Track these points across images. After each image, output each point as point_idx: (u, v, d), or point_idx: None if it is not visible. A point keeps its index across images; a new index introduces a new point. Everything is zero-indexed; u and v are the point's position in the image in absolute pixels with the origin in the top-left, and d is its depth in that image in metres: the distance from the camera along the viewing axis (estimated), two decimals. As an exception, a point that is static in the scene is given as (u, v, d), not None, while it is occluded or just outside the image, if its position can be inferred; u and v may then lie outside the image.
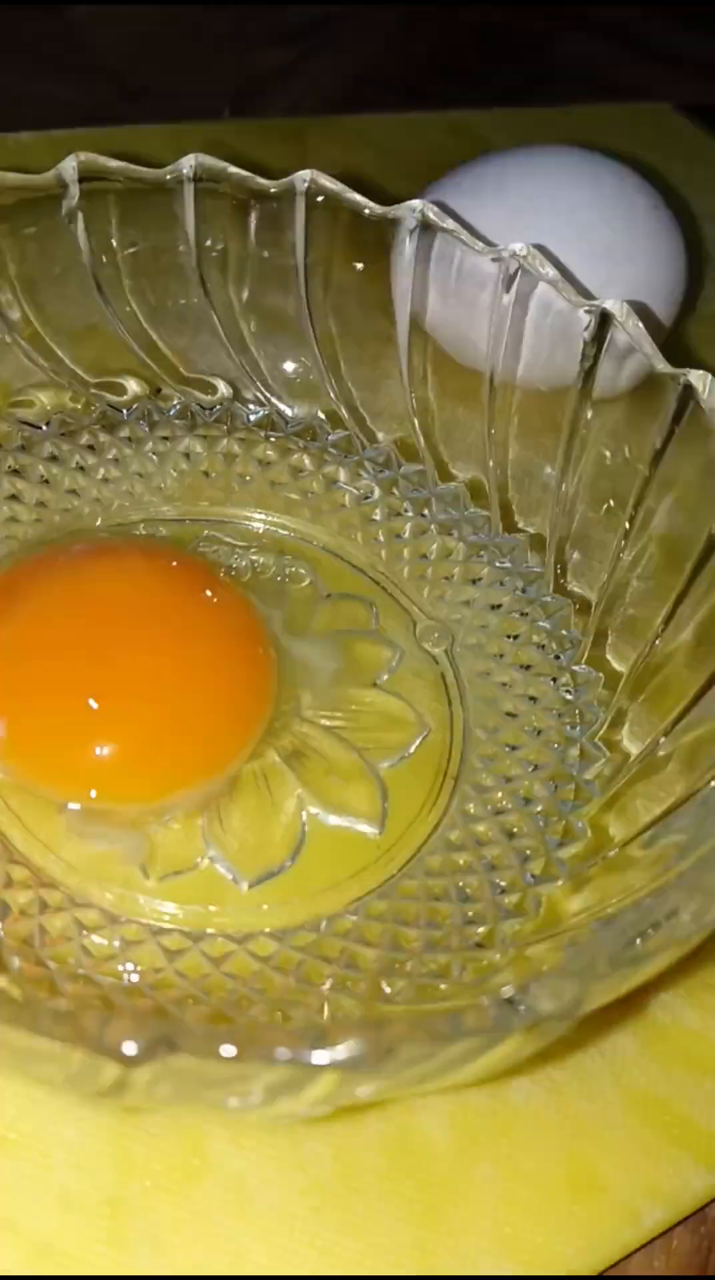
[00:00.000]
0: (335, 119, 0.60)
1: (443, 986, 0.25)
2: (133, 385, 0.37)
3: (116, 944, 0.26)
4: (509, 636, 0.34)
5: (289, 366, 0.38)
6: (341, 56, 0.68)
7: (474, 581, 0.35)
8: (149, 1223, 0.25)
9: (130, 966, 0.25)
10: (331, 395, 0.38)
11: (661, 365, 0.31)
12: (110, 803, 0.28)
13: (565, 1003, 0.18)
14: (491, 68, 0.68)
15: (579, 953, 0.22)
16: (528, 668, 0.33)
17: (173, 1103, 0.22)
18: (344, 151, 0.54)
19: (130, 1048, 0.17)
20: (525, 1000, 0.18)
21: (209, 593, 0.31)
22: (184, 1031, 0.17)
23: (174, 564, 0.31)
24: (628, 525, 0.33)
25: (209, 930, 0.27)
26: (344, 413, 0.38)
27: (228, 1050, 0.17)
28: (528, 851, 0.29)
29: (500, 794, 0.30)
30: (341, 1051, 0.17)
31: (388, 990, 0.25)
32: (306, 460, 0.37)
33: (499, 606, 0.34)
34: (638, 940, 0.20)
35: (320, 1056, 0.17)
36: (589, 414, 0.33)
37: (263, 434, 0.38)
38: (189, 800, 0.29)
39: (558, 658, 0.33)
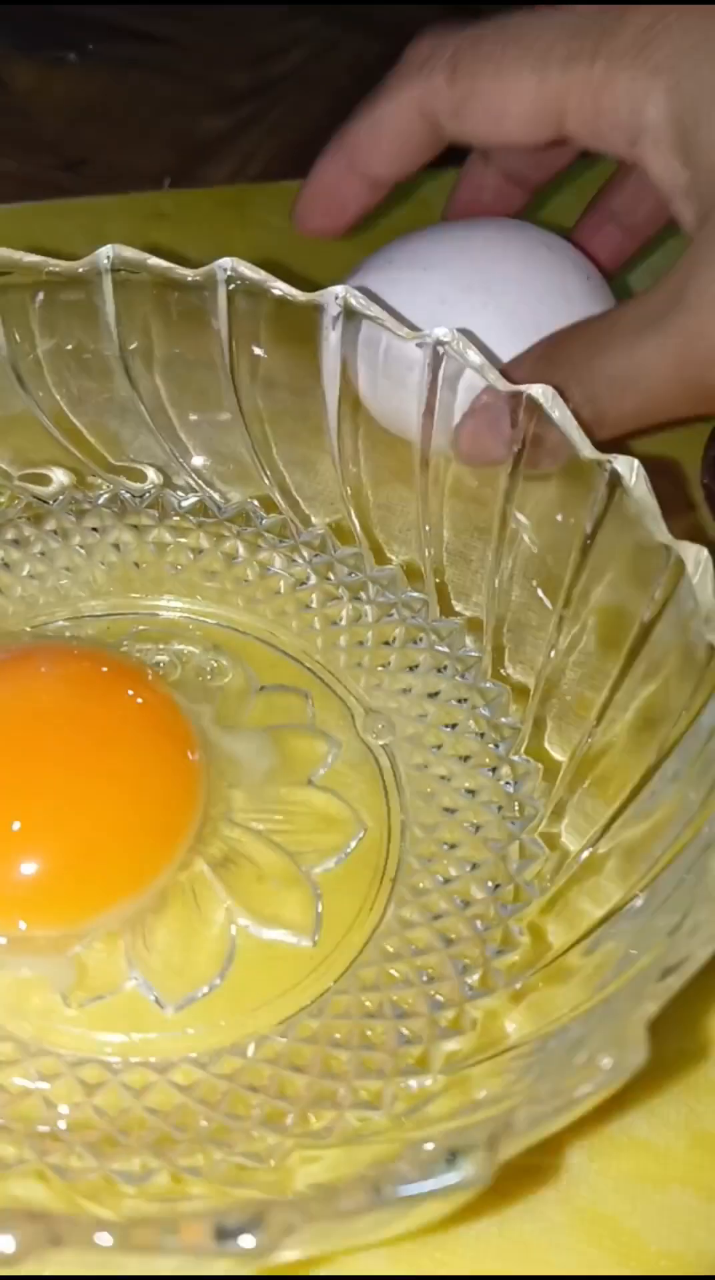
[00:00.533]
0: (277, 185, 0.60)
1: (375, 1118, 0.24)
2: (59, 475, 0.37)
3: (33, 1077, 0.25)
4: (447, 726, 0.33)
5: (220, 450, 0.37)
6: (286, 121, 0.68)
7: (411, 669, 0.34)
8: None
9: (45, 1110, 0.24)
10: (264, 480, 0.37)
11: (588, 451, 0.30)
12: (34, 929, 0.27)
13: (478, 1173, 0.17)
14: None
15: (523, 1086, 0.21)
16: (467, 759, 0.32)
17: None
18: (285, 218, 0.54)
19: (7, 1243, 0.16)
20: (435, 1169, 0.17)
21: (131, 696, 0.30)
22: (66, 1223, 0.16)
23: (95, 667, 0.30)
24: (563, 609, 0.32)
25: (132, 1059, 0.26)
26: (278, 497, 0.37)
27: (104, 1239, 0.16)
28: (466, 961, 0.28)
29: (438, 897, 0.29)
30: (239, 1242, 0.16)
31: (316, 1125, 0.24)
32: (240, 547, 0.37)
33: (437, 694, 0.34)
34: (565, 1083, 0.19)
35: (212, 1246, 0.16)
36: (518, 498, 0.33)
37: (195, 521, 0.37)
38: (115, 919, 0.28)
39: (496, 746, 0.33)
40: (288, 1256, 0.18)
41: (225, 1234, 0.16)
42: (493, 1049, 0.25)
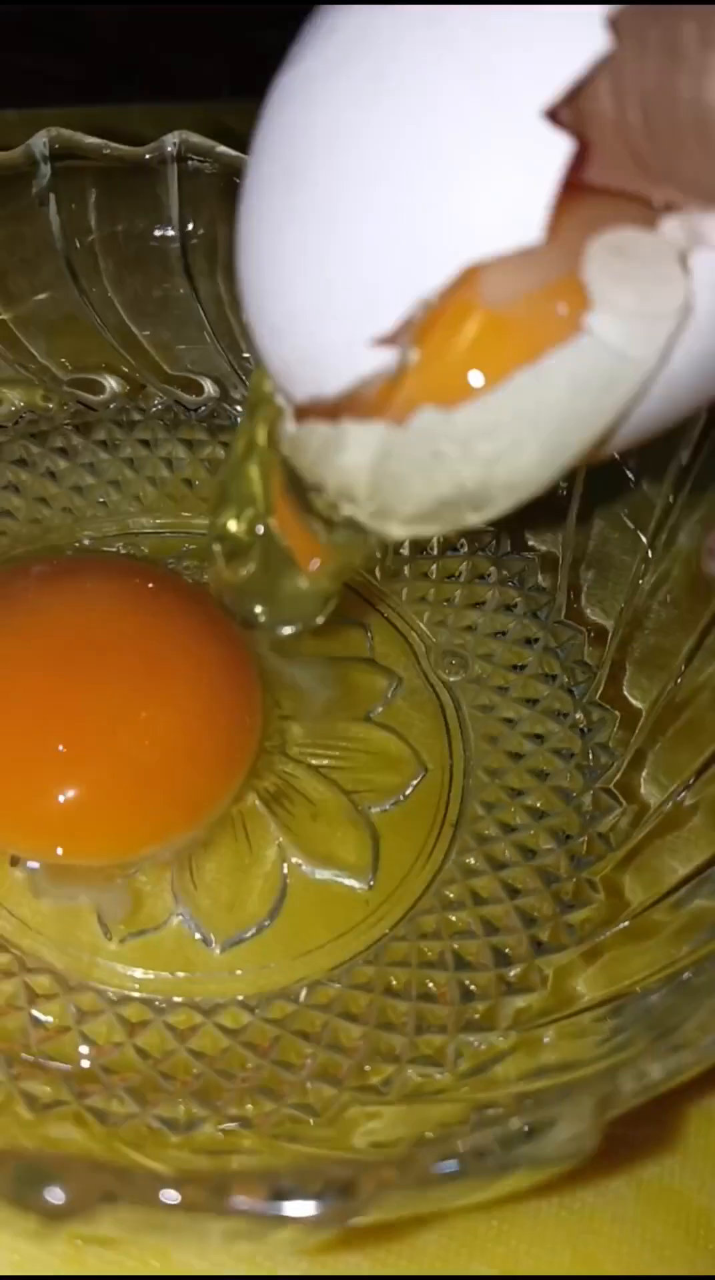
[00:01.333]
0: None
1: (438, 1077, 0.22)
2: (111, 383, 0.34)
3: (71, 1013, 0.23)
4: (515, 667, 0.31)
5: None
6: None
7: (477, 605, 0.32)
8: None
9: (85, 1049, 0.22)
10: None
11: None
12: (77, 859, 0.25)
13: (580, 1140, 0.15)
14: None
15: (605, 1051, 0.19)
16: (535, 702, 0.30)
17: (121, 1235, 0.19)
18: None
19: (56, 1196, 0.14)
20: (530, 1140, 0.15)
21: (188, 618, 0.28)
22: (125, 1179, 0.14)
23: (148, 586, 0.28)
24: (650, 546, 0.30)
25: (175, 999, 0.24)
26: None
27: (171, 1197, 0.14)
28: (535, 914, 0.26)
29: (503, 845, 0.27)
30: (309, 1206, 0.14)
31: (374, 1080, 0.22)
32: (299, 467, 0.34)
33: (504, 634, 0.31)
34: (675, 1040, 0.17)
35: (286, 1209, 0.14)
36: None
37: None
38: (163, 853, 0.26)
39: (570, 691, 0.30)
40: (359, 1222, 0.17)
41: (297, 1197, 0.14)
42: (567, 1008, 0.23)
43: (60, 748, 0.25)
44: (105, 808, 0.25)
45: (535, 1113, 0.16)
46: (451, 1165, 0.14)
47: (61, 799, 0.24)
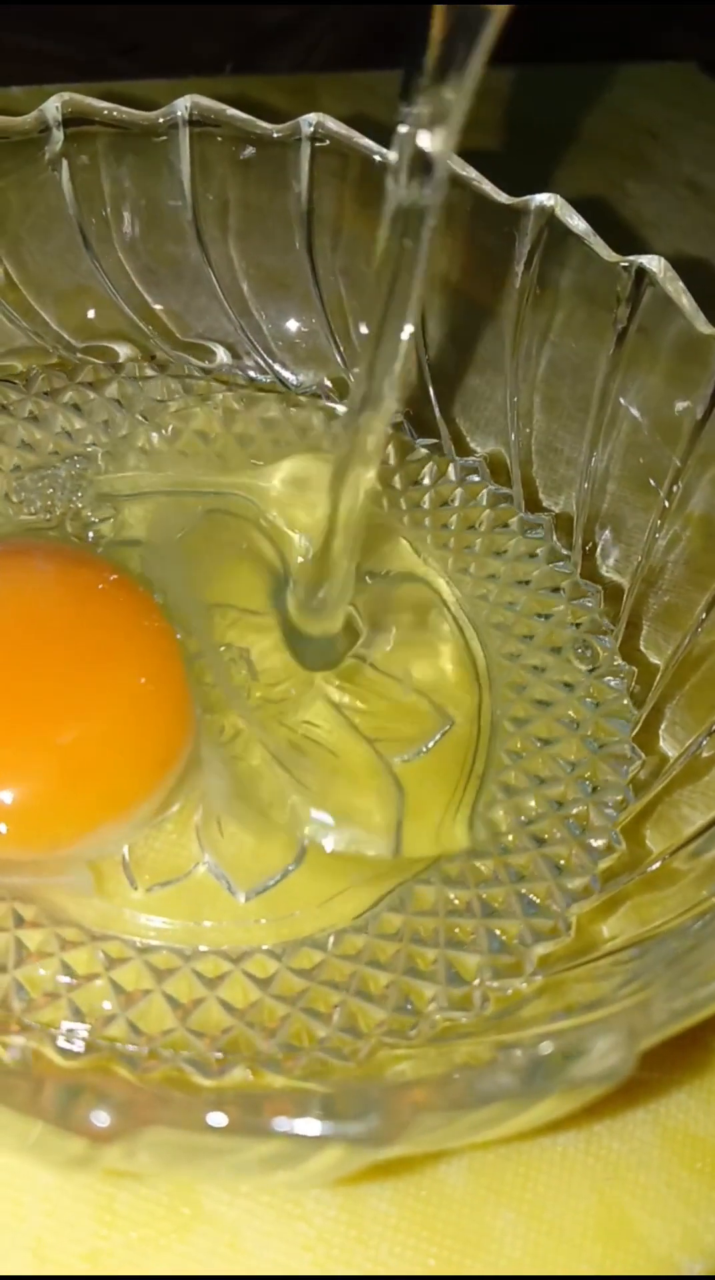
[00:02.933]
0: (343, 75, 0.57)
1: (463, 1019, 0.22)
2: (124, 350, 0.34)
3: (100, 960, 0.23)
4: (540, 615, 0.31)
5: (293, 328, 0.35)
6: (349, 11, 0.65)
7: (498, 554, 0.32)
8: (132, 1281, 0.22)
9: (118, 995, 0.23)
10: (339, 362, 0.35)
11: (704, 326, 0.28)
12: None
13: (616, 1060, 0.15)
14: (510, 24, 0.64)
15: (630, 990, 0.19)
16: (560, 650, 0.30)
17: (155, 1171, 0.19)
18: (354, 106, 0.51)
19: (101, 1119, 0.14)
20: (565, 1060, 0.15)
21: (114, 608, 0.27)
22: (165, 1100, 0.14)
23: (75, 574, 0.27)
24: (665, 503, 0.30)
25: (202, 947, 0.24)
26: (352, 381, 0.35)
27: (217, 1120, 0.14)
28: (560, 862, 0.26)
29: (530, 796, 0.27)
30: (351, 1127, 0.14)
31: (403, 1027, 0.22)
32: (314, 419, 0.34)
33: (527, 582, 0.31)
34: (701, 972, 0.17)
35: (325, 1129, 0.14)
36: (620, 381, 0.30)
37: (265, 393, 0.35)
38: (92, 846, 0.25)
39: (597, 639, 0.30)
40: (392, 1152, 0.17)
41: (338, 1117, 0.14)
42: (591, 952, 0.23)
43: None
44: (37, 800, 0.24)
45: (567, 1040, 0.16)
46: (492, 1083, 0.15)
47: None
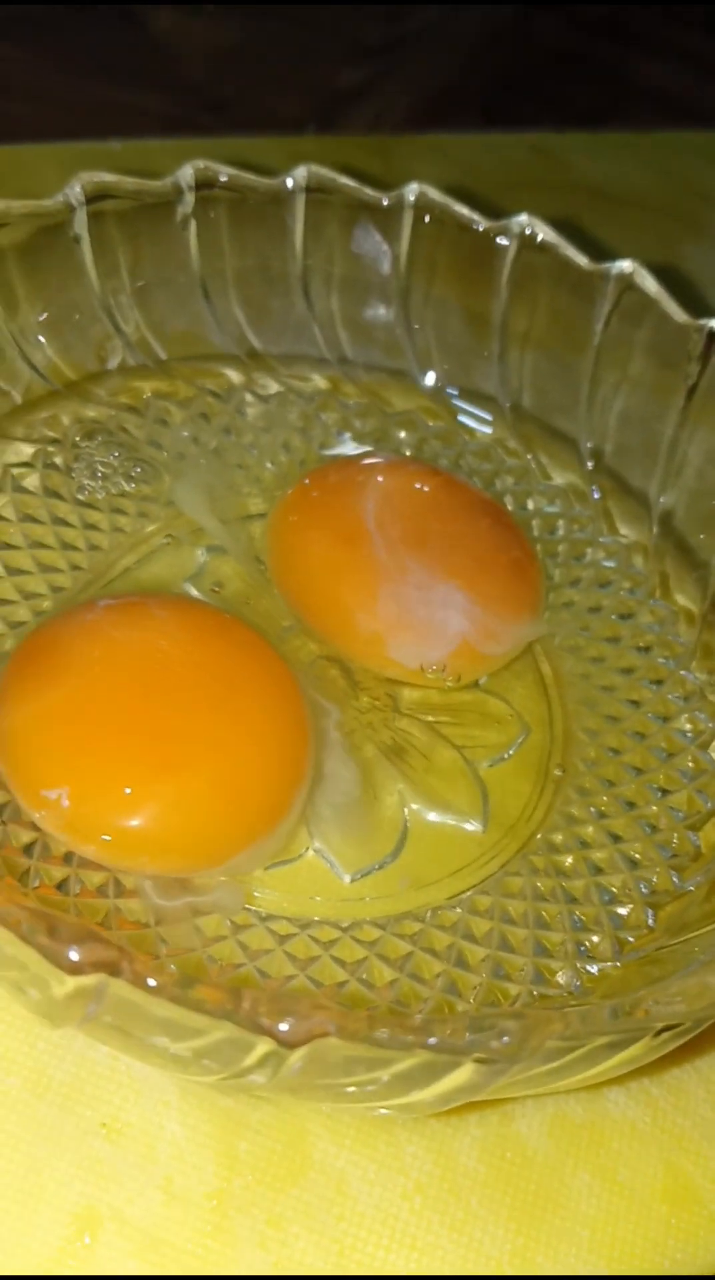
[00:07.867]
0: (415, 136, 0.61)
1: (554, 993, 0.25)
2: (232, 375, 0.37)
3: (227, 925, 0.26)
4: (609, 640, 0.34)
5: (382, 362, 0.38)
6: (418, 75, 0.69)
7: (574, 584, 0.35)
8: (252, 1217, 0.25)
9: (245, 952, 0.26)
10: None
11: None
12: (169, 871, 0.26)
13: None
14: (569, 89, 0.68)
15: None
16: (630, 672, 0.33)
17: (294, 1091, 0.22)
18: (428, 167, 0.55)
19: (285, 1027, 0.17)
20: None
21: (245, 654, 0.29)
22: (337, 1014, 0.17)
23: (213, 625, 0.30)
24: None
25: (315, 918, 0.27)
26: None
27: (382, 1035, 0.17)
28: (636, 856, 0.29)
29: (605, 798, 0.30)
30: (503, 1036, 0.17)
31: (500, 997, 0.25)
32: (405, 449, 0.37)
33: (598, 610, 0.34)
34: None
35: (470, 1041, 0.17)
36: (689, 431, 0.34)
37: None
38: (239, 865, 0.27)
39: (664, 662, 0.33)
40: (504, 1083, 0.20)
41: (488, 1032, 0.17)
42: (676, 937, 0.26)
43: (151, 771, 0.26)
44: (193, 822, 0.26)
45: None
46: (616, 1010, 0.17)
47: (147, 818, 0.26)
